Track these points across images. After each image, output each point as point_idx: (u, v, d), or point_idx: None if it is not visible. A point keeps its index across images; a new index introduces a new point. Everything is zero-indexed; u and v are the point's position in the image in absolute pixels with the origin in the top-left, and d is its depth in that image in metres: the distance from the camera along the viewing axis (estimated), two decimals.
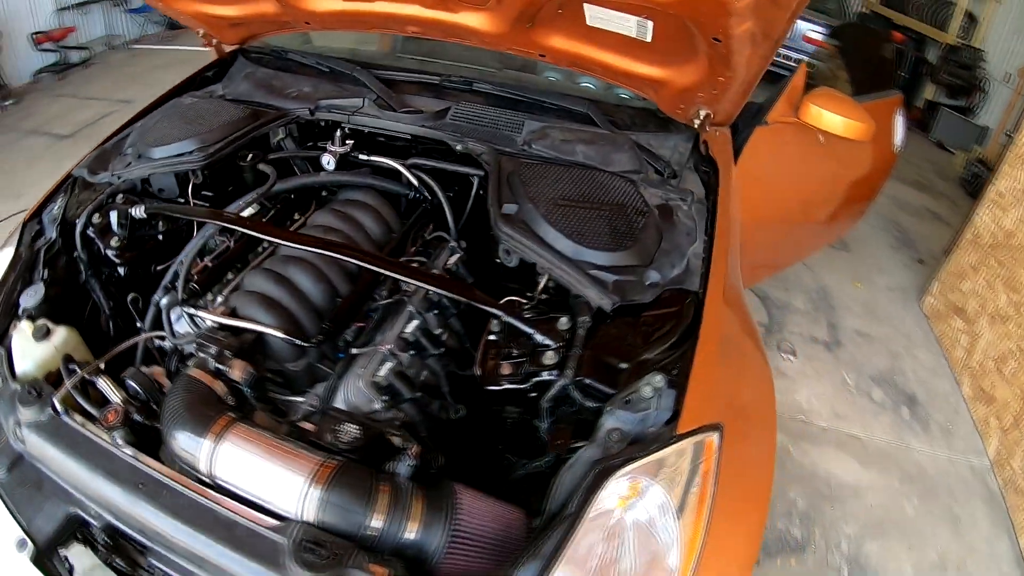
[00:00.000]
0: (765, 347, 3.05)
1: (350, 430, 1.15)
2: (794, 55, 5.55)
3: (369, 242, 1.71)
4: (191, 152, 1.67)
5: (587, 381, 1.20)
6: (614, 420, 1.10)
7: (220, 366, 1.26)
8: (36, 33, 5.29)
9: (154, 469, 1.10)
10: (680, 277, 1.39)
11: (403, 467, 1.11)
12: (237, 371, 1.25)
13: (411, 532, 1.03)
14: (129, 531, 1.09)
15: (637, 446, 1.05)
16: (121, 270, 1.63)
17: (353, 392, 1.31)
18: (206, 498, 1.06)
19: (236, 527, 1.02)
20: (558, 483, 1.07)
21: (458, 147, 1.70)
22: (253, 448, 1.09)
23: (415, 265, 1.62)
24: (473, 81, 1.94)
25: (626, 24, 1.44)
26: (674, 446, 1.03)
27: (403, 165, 1.80)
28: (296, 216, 1.83)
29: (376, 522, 1.03)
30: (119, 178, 1.67)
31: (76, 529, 1.14)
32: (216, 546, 1.01)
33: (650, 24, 1.41)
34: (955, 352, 3.16)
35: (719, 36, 1.29)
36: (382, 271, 1.40)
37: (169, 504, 1.05)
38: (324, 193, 1.98)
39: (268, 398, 1.36)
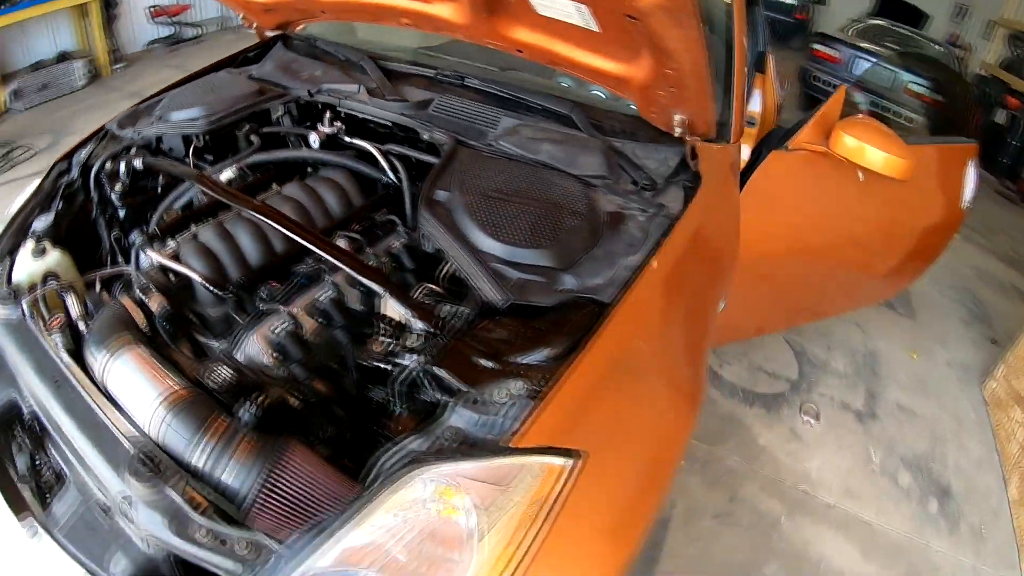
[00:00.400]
0: (785, 406, 2.77)
1: (222, 372, 1.18)
2: (894, 107, 5.14)
3: (325, 216, 1.70)
4: (197, 119, 1.82)
5: (438, 371, 1.12)
6: (457, 418, 1.04)
7: (143, 297, 1.35)
8: (152, 7, 5.61)
9: (71, 371, 1.21)
10: (599, 287, 1.29)
11: (245, 413, 1.10)
12: (154, 303, 1.34)
13: (229, 474, 1.03)
14: (40, 416, 1.21)
15: (464, 448, 0.99)
16: (121, 212, 1.75)
17: (251, 344, 1.31)
18: (94, 402, 1.15)
19: (105, 431, 1.11)
20: (377, 467, 1.01)
21: (425, 136, 1.72)
22: (135, 367, 1.16)
23: (342, 241, 1.55)
24: (465, 76, 1.92)
25: (567, 11, 1.30)
26: (502, 460, 0.96)
27: (378, 149, 1.78)
28: (274, 186, 1.82)
29: (201, 454, 1.04)
30: (139, 134, 1.82)
31: (14, 412, 1.28)
32: (86, 442, 1.10)
33: (586, 9, 1.27)
34: (1009, 447, 2.73)
35: (632, 12, 1.16)
36: (290, 234, 1.38)
37: (68, 401, 1.16)
38: (309, 169, 1.97)
39: (193, 337, 1.40)
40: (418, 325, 1.25)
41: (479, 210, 1.41)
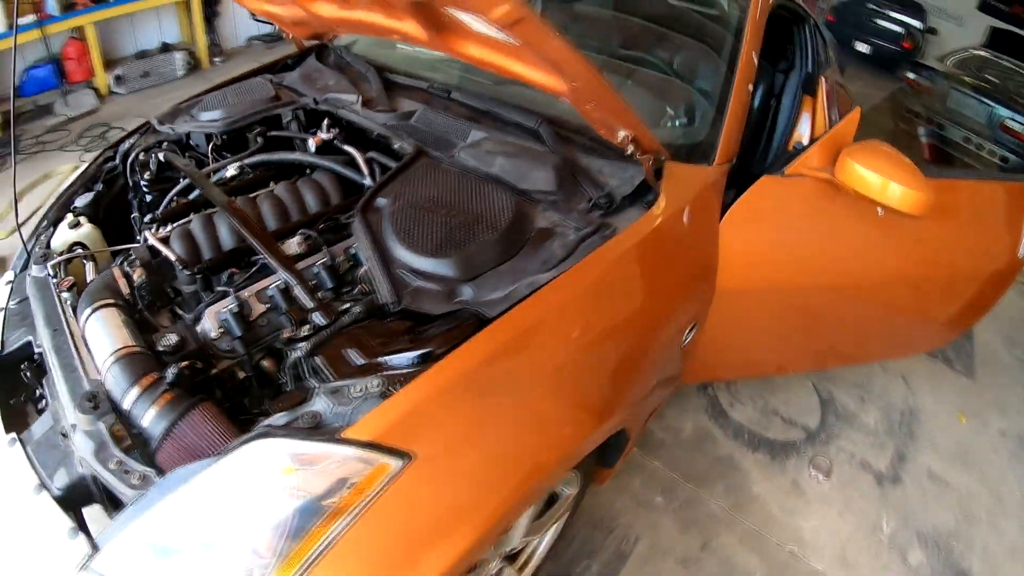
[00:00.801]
0: (794, 456, 2.53)
1: (171, 338, 1.32)
2: (988, 144, 4.63)
3: (302, 214, 1.77)
4: (217, 120, 2.00)
5: (316, 360, 1.24)
6: (319, 403, 1.14)
7: (128, 270, 1.51)
8: None
9: (67, 322, 1.43)
10: (493, 302, 1.32)
11: (169, 373, 1.23)
12: (136, 275, 1.50)
13: (147, 419, 1.19)
14: (43, 356, 1.42)
15: (308, 430, 1.08)
16: (148, 197, 1.93)
17: (206, 320, 1.42)
18: (75, 347, 1.36)
19: (75, 372, 1.31)
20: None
21: (396, 145, 1.79)
22: (105, 324, 1.34)
23: (298, 238, 1.61)
24: (451, 90, 2.00)
25: (478, 25, 1.25)
26: (333, 447, 1.04)
27: (361, 156, 1.85)
28: (272, 184, 1.92)
29: (130, 400, 1.21)
30: (172, 130, 2.03)
31: (28, 351, 1.49)
32: (61, 378, 1.31)
33: (483, 20, 1.22)
34: None
35: (498, 28, 1.15)
36: (241, 228, 1.50)
37: (58, 345, 1.38)
38: (308, 171, 2.04)
39: (173, 311, 1.54)
40: (317, 317, 1.34)
41: (402, 218, 1.48)
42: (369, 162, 1.83)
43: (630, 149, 1.52)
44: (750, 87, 1.96)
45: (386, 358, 1.21)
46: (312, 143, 1.95)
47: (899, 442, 2.74)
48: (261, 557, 0.98)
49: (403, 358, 1.20)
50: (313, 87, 2.17)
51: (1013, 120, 4.42)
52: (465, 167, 1.67)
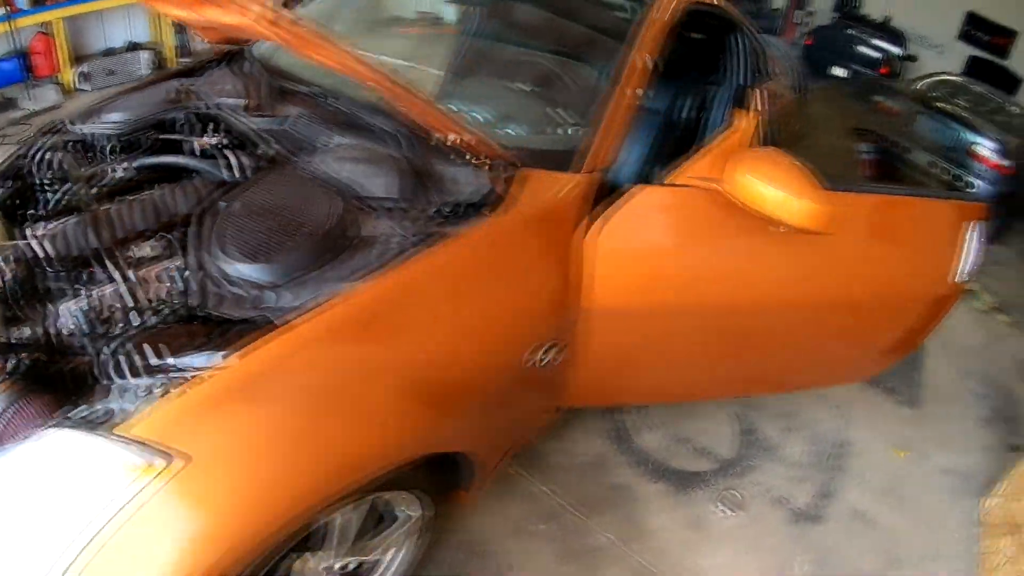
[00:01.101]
0: (700, 488, 2.28)
1: (23, 331, 1.36)
2: (954, 169, 4.40)
3: (172, 218, 1.71)
4: (114, 123, 1.96)
5: (119, 357, 1.25)
6: (113, 400, 1.19)
7: (2, 264, 1.52)
8: None
9: None
10: (290, 309, 1.31)
11: (8, 363, 1.27)
12: (9, 270, 1.50)
13: None
14: None
15: (89, 424, 1.13)
16: (49, 195, 1.86)
17: (61, 316, 1.43)
18: None
19: None
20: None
21: (259, 150, 1.75)
22: None
23: (154, 242, 1.59)
24: (328, 95, 1.94)
25: None
26: (103, 441, 1.09)
27: (235, 160, 1.76)
28: (156, 187, 1.85)
29: None
30: (79, 130, 1.98)
31: None
32: None
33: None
34: None
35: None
36: (91, 233, 1.51)
37: None
38: (193, 175, 1.95)
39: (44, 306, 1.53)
40: (132, 317, 1.36)
41: (227, 223, 1.47)
42: (240, 166, 1.75)
43: (467, 154, 1.46)
44: (637, 92, 1.74)
45: (174, 359, 1.22)
46: (197, 146, 1.89)
47: (825, 477, 2.48)
48: (39, 548, 1.01)
49: (189, 360, 1.21)
50: (212, 90, 2.11)
51: (979, 146, 4.21)
52: (315, 173, 1.62)
